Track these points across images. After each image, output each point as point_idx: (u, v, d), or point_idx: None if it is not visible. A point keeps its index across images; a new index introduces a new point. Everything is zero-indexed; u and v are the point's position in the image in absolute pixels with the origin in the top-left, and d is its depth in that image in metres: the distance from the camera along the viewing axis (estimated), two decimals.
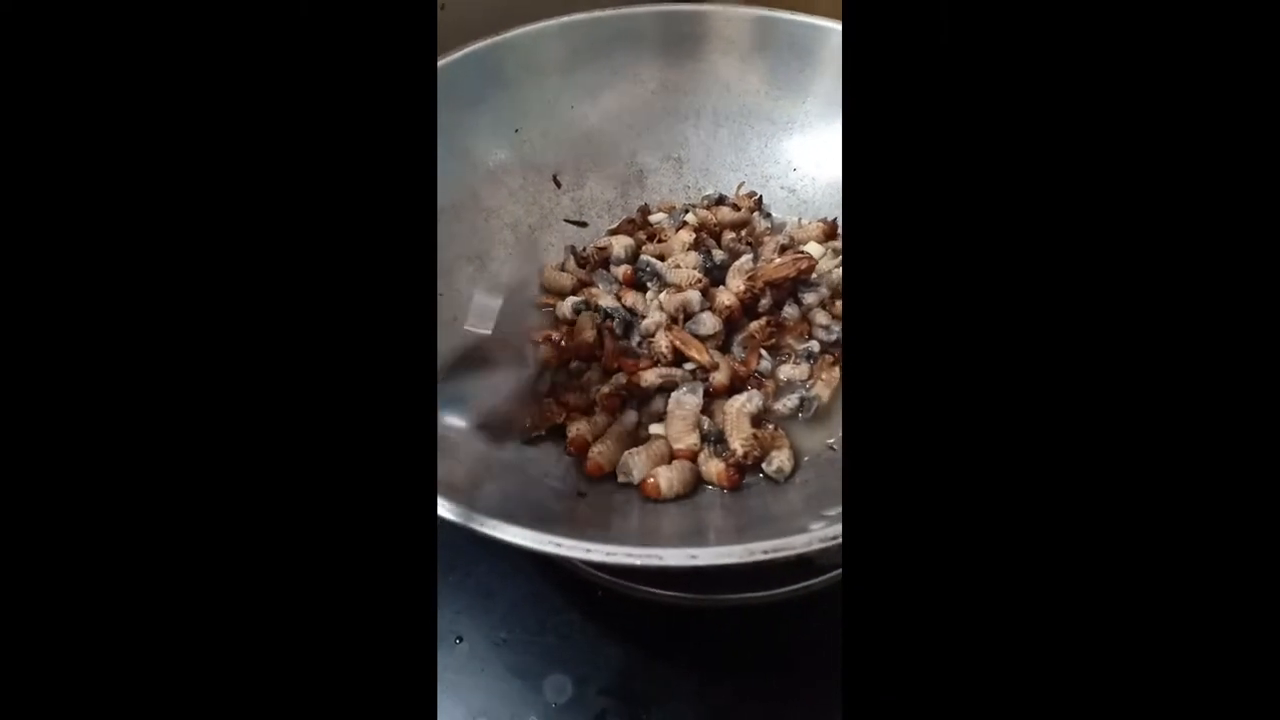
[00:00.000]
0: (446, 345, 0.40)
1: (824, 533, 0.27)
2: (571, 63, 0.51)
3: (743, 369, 0.43)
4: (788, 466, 0.39)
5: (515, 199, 0.50)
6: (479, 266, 0.46)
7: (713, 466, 0.39)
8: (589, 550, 0.28)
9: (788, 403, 0.42)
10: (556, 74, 0.51)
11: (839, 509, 0.29)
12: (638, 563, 0.28)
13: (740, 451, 0.38)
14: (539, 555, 0.39)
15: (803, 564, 0.28)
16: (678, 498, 0.38)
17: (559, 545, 0.28)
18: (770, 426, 0.41)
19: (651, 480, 0.38)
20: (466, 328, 0.42)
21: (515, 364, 0.44)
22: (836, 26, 0.49)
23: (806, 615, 0.39)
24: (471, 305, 0.43)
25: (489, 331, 0.40)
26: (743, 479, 0.39)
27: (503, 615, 0.39)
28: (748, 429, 0.39)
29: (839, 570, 0.38)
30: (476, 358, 0.40)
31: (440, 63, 0.45)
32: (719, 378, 0.42)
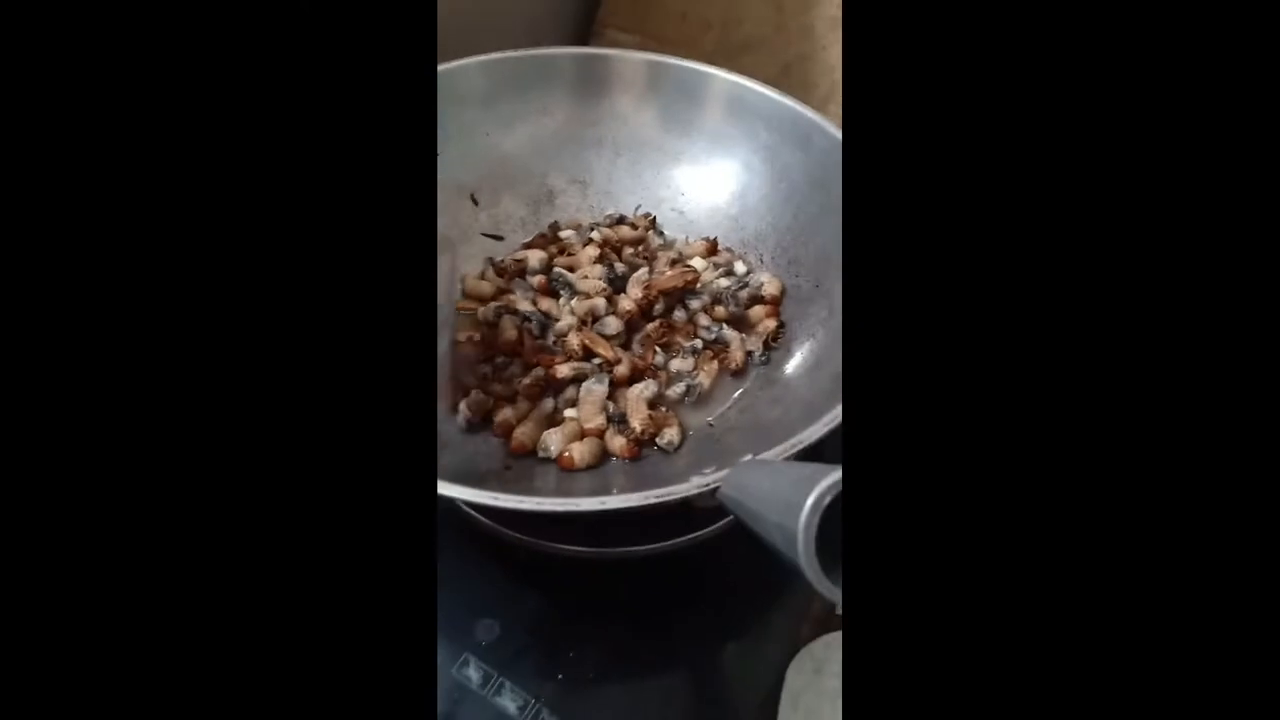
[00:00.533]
0: None
1: (700, 482, 0.32)
2: (491, 95, 0.54)
3: (641, 363, 0.46)
4: (676, 440, 0.42)
5: (439, 214, 0.52)
6: None
7: (616, 442, 0.42)
8: (521, 502, 0.32)
9: (677, 389, 0.45)
10: (477, 105, 0.54)
11: (713, 468, 0.34)
12: (560, 509, 0.32)
13: (639, 429, 0.42)
14: (473, 532, 0.43)
15: (685, 510, 0.33)
16: (588, 468, 0.41)
17: (496, 499, 0.32)
18: (663, 409, 0.44)
19: (567, 454, 0.41)
20: None
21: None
22: (718, 73, 0.54)
23: (689, 564, 0.43)
24: None
25: None
26: (640, 451, 0.42)
27: (444, 579, 0.41)
28: (645, 411, 0.43)
29: (716, 525, 0.43)
30: None
31: None
32: (621, 370, 0.45)
